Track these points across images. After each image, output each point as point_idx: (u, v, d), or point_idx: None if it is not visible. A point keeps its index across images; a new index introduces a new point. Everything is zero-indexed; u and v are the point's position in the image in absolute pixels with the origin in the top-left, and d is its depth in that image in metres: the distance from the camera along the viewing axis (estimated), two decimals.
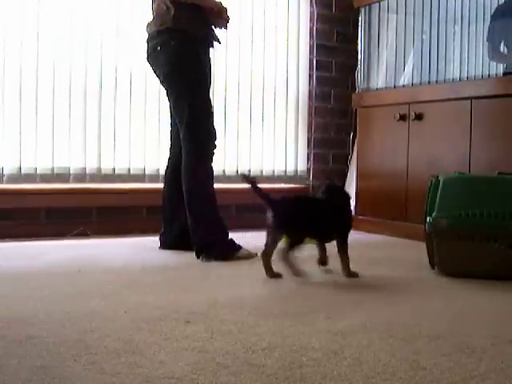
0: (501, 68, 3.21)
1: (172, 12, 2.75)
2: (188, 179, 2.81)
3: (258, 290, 2.14)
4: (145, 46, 2.90)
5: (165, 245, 2.99)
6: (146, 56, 2.90)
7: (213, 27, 2.90)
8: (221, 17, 2.86)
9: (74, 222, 3.44)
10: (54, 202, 3.42)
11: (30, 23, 3.38)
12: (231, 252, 2.76)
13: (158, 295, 2.01)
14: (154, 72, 2.91)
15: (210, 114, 2.86)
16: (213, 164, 2.88)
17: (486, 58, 3.28)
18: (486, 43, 3.28)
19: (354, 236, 2.71)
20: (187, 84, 2.80)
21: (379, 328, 1.66)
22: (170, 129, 3.04)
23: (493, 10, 3.28)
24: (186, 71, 2.79)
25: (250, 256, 2.76)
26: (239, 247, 2.80)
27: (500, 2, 3.27)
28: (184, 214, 2.88)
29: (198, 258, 2.74)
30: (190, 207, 2.81)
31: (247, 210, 3.83)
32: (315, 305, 1.92)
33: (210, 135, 2.85)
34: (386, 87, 3.87)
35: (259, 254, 2.75)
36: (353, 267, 2.36)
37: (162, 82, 2.90)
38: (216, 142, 2.88)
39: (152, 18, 2.88)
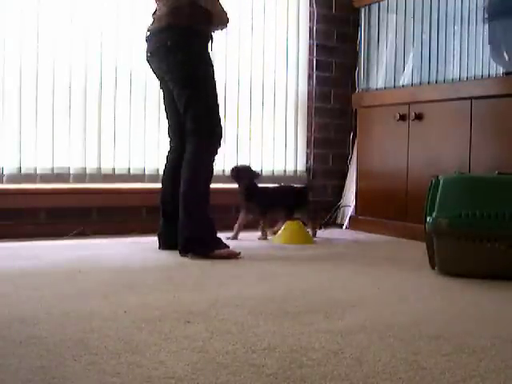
0: (501, 68, 3.21)
1: (185, 9, 2.77)
2: (189, 173, 2.83)
3: (257, 290, 2.14)
4: (148, 42, 2.90)
5: (164, 245, 2.98)
6: (149, 51, 2.90)
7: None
8: (222, 23, 2.91)
9: (73, 222, 3.44)
10: (54, 202, 3.42)
11: (30, 23, 3.38)
12: (212, 250, 2.76)
13: (158, 295, 2.01)
14: (157, 68, 2.91)
15: (216, 111, 2.89)
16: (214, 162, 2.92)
17: (486, 58, 3.27)
18: (488, 45, 3.26)
19: (354, 236, 2.72)
20: (195, 79, 2.82)
21: (379, 328, 1.66)
22: (168, 125, 3.05)
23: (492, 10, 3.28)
24: (195, 66, 2.80)
25: (232, 255, 2.77)
26: (224, 246, 2.82)
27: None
28: None
29: (183, 251, 2.77)
30: (184, 200, 2.82)
31: None
32: (315, 305, 1.92)
33: (215, 132, 2.89)
34: (385, 87, 3.87)
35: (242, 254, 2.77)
36: (353, 267, 2.36)
37: (165, 78, 2.90)
38: (221, 141, 2.93)
39: (156, 13, 2.89)
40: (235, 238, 3.38)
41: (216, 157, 2.94)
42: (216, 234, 2.84)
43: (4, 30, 3.33)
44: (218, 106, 2.91)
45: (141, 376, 1.27)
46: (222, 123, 2.96)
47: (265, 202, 3.46)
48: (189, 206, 2.82)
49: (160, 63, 2.89)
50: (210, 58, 2.86)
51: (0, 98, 3.33)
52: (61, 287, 2.11)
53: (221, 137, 2.92)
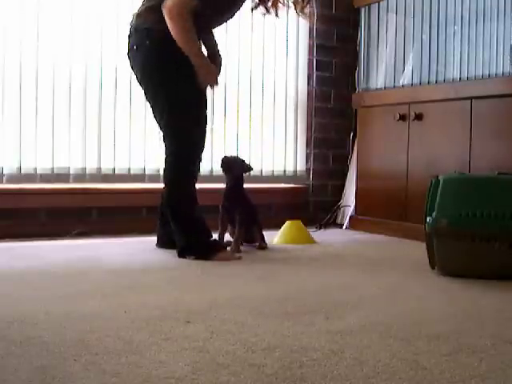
0: (501, 68, 3.20)
1: (158, 14, 2.72)
2: (166, 178, 2.82)
3: (258, 290, 2.14)
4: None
5: (164, 245, 2.98)
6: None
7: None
8: (210, 73, 2.83)
9: (73, 222, 3.44)
10: (53, 202, 3.42)
11: (29, 23, 3.38)
12: (210, 255, 2.73)
13: (158, 295, 2.01)
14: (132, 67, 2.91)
15: (191, 118, 2.78)
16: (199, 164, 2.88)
17: (486, 58, 3.27)
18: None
19: (354, 236, 2.72)
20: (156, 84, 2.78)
21: (379, 328, 1.66)
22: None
23: (492, 11, 3.27)
24: (163, 71, 2.76)
25: (231, 258, 2.77)
26: (221, 247, 2.82)
27: (501, 3, 3.24)
28: None
29: (181, 257, 2.76)
30: (169, 208, 2.83)
31: None
32: (315, 305, 1.92)
33: (187, 143, 2.80)
34: (385, 87, 3.87)
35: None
36: (353, 267, 2.36)
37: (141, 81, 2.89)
38: (203, 148, 2.86)
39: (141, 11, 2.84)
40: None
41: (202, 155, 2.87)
42: (211, 235, 2.83)
43: (4, 30, 3.32)
44: (188, 115, 2.77)
45: (141, 376, 1.27)
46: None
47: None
48: (175, 214, 2.81)
49: (131, 63, 2.88)
50: (175, 65, 2.74)
51: (0, 98, 3.34)
52: (61, 287, 2.11)
53: (192, 144, 2.80)
